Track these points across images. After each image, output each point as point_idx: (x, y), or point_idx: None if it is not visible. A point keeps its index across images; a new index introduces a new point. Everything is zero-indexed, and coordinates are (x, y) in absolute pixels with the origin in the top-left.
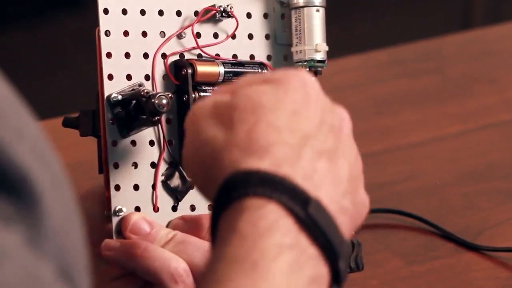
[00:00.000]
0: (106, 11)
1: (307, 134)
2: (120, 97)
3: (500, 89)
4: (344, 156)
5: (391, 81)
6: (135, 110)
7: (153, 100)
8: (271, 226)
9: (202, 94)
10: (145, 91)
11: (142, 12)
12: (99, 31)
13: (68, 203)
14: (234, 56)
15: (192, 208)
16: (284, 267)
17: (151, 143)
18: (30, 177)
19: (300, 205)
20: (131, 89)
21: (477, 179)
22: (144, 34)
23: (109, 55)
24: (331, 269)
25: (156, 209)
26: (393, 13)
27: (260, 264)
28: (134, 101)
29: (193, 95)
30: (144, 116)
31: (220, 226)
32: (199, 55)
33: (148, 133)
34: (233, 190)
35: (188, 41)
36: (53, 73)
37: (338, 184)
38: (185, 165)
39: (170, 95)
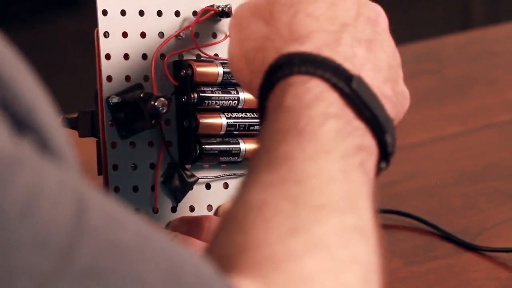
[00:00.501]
0: (105, 12)
1: (345, 22)
2: (119, 98)
3: (499, 89)
4: (382, 48)
5: None
6: (134, 112)
7: (152, 103)
8: (316, 98)
9: (201, 95)
10: (145, 92)
11: (141, 13)
12: (97, 32)
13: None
14: None
15: (191, 208)
16: (331, 132)
17: (150, 144)
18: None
19: (343, 81)
20: (130, 90)
21: (476, 180)
22: (143, 35)
23: (108, 56)
24: (378, 144)
25: (155, 210)
26: (392, 14)
27: (306, 129)
28: (133, 103)
29: (192, 96)
30: (143, 118)
31: (268, 106)
32: (198, 55)
33: (147, 134)
34: (277, 71)
35: (187, 41)
36: (52, 74)
37: (378, 70)
38: (230, 63)
39: (169, 97)
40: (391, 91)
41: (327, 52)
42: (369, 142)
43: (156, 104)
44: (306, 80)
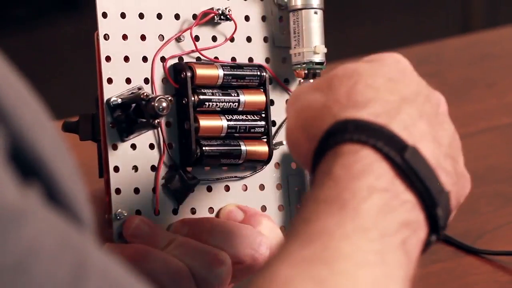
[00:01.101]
0: (104, 15)
1: (406, 96)
2: (119, 100)
3: (499, 92)
4: (443, 127)
5: None
6: (135, 113)
7: (153, 103)
8: (364, 169)
9: (201, 97)
10: (145, 94)
11: (141, 16)
12: (97, 34)
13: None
14: (233, 59)
15: (193, 211)
16: (374, 208)
17: (151, 146)
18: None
19: (396, 151)
20: (130, 92)
21: (476, 183)
22: (143, 37)
23: (108, 59)
24: (428, 217)
25: (156, 212)
26: (392, 17)
27: (348, 204)
28: (133, 105)
29: (193, 98)
30: (144, 119)
31: (317, 172)
32: (198, 58)
33: (148, 137)
34: (330, 137)
35: (187, 44)
36: (52, 77)
37: (439, 145)
38: (288, 139)
39: (170, 98)
40: (452, 168)
41: (384, 120)
42: (417, 216)
43: (156, 104)
44: (357, 150)
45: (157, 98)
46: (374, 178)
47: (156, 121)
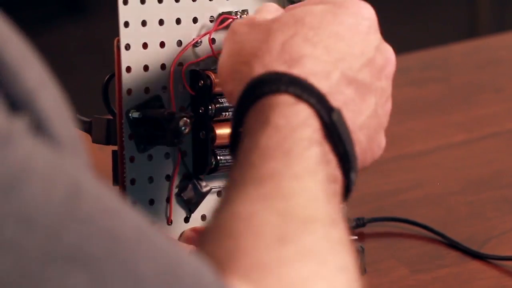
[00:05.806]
0: (126, 24)
1: (342, 57)
2: (139, 114)
3: (506, 97)
4: (375, 94)
5: (397, 89)
6: (154, 127)
7: (175, 124)
8: (303, 122)
9: (218, 105)
10: (168, 112)
11: (161, 22)
12: (118, 42)
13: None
14: None
15: (203, 217)
16: (315, 156)
17: (167, 155)
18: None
19: (325, 110)
20: (148, 103)
21: (482, 188)
22: (162, 44)
23: (128, 69)
24: (343, 179)
25: (169, 222)
26: (399, 22)
27: (293, 150)
28: (154, 119)
29: (210, 107)
30: (164, 135)
31: (250, 119)
32: (215, 62)
33: (164, 146)
34: (264, 85)
35: (204, 48)
36: (58, 80)
37: (358, 114)
38: (218, 73)
39: (191, 115)
40: (365, 138)
41: (312, 80)
42: (338, 176)
43: (179, 124)
44: (293, 102)
45: (179, 118)
46: (311, 131)
47: (177, 140)
